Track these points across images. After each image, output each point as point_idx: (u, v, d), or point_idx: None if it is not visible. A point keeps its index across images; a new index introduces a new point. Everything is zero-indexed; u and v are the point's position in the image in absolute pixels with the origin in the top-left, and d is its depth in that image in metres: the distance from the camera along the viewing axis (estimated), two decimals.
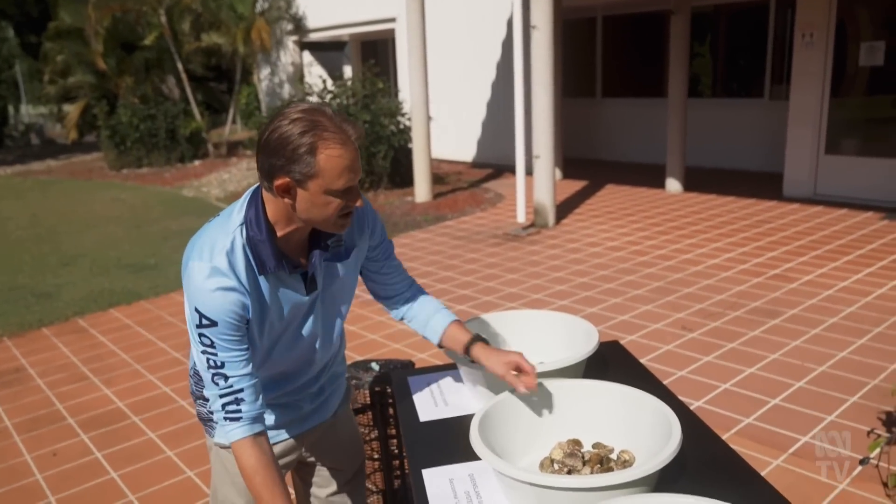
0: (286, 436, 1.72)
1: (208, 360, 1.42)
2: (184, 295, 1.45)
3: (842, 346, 3.94)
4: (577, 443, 1.59)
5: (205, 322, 1.40)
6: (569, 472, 1.49)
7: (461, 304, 4.97)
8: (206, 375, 1.44)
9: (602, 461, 1.52)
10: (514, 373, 1.61)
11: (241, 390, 1.44)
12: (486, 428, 1.52)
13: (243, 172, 11.91)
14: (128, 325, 5.06)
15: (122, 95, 14.56)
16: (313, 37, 14.47)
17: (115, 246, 7.47)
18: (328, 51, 15.00)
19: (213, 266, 1.39)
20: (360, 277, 1.77)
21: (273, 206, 1.44)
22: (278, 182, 1.37)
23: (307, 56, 15.12)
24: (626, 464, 1.51)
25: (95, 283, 6.11)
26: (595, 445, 1.59)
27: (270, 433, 1.62)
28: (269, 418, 1.67)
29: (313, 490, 1.90)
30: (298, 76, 14.48)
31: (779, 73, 9.17)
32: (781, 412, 3.28)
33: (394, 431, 2.41)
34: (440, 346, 1.77)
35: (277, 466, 1.47)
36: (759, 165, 9.41)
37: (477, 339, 1.69)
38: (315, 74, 14.57)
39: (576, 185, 9.21)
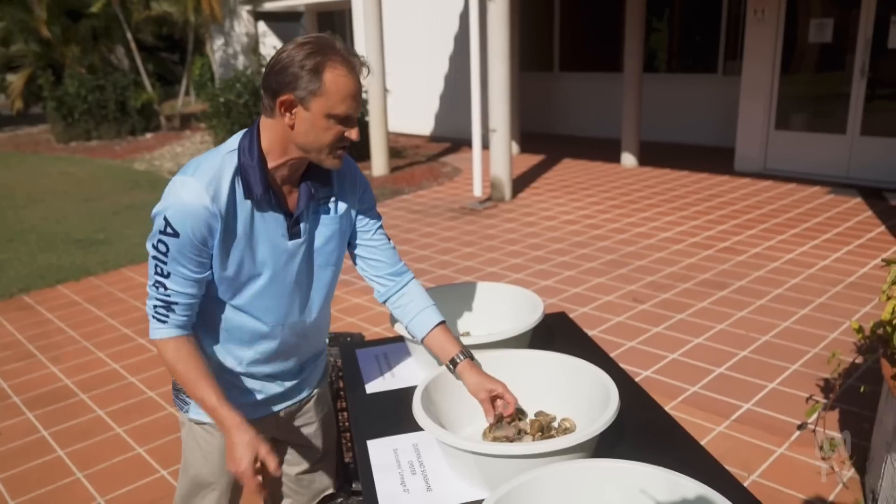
0: (263, 413, 1.69)
1: (157, 266, 1.44)
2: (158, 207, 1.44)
3: (785, 316, 4.06)
4: (519, 411, 1.61)
5: (169, 231, 1.40)
6: (511, 439, 1.51)
7: (417, 278, 4.97)
8: (150, 280, 1.47)
9: (543, 429, 1.55)
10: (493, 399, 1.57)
11: (175, 303, 1.47)
12: (429, 399, 1.54)
13: (197, 146, 11.65)
14: (76, 301, 4.94)
15: (68, 65, 14.06)
16: (268, 7, 14.14)
17: (63, 221, 7.26)
18: (283, 21, 14.69)
19: (196, 181, 1.40)
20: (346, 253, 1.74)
21: (269, 134, 1.45)
22: (282, 97, 1.38)
23: (262, 26, 14.79)
24: (567, 431, 1.54)
25: (42, 258, 5.95)
26: (537, 414, 1.61)
27: (247, 410, 1.61)
28: (247, 396, 1.66)
29: (284, 468, 1.88)
30: (253, 47, 14.17)
31: (732, 49, 9.29)
32: (726, 380, 3.37)
33: (344, 405, 2.42)
34: (422, 343, 1.70)
35: (202, 358, 1.50)
36: (712, 140, 9.57)
37: (465, 354, 1.61)
38: (270, 45, 14.28)
39: (532, 160, 9.25)
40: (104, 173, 10.01)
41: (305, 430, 1.82)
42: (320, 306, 1.67)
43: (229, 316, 1.56)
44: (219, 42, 15.46)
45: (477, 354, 1.66)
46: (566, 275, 4.91)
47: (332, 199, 1.59)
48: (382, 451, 1.54)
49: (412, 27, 11.44)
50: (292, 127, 1.41)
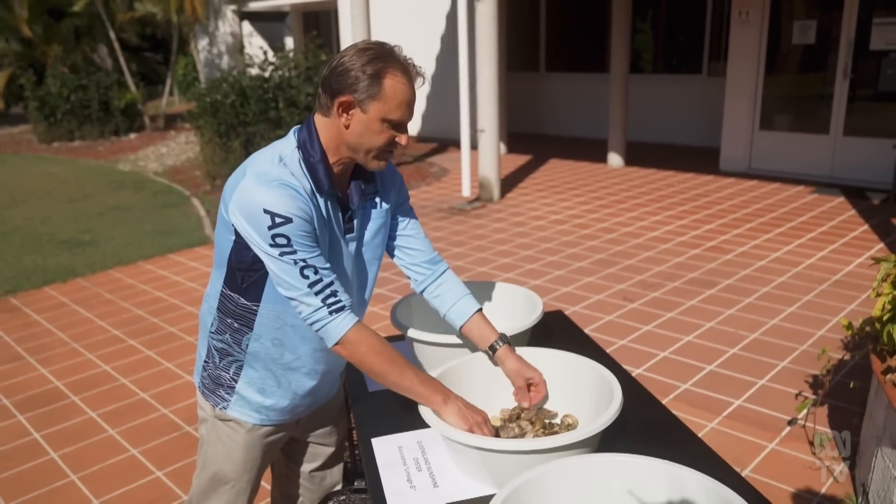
0: (303, 413, 1.70)
1: (290, 259, 1.40)
2: (237, 216, 1.41)
3: (773, 313, 4.12)
4: (522, 408, 1.63)
5: (278, 220, 1.38)
6: (514, 437, 1.53)
7: (406, 279, 4.98)
8: (293, 272, 1.41)
9: (546, 426, 1.56)
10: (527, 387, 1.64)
11: (332, 282, 1.45)
12: None
13: (182, 146, 11.58)
14: (64, 302, 4.90)
15: (50, 64, 13.91)
16: (253, 6, 14.08)
17: (48, 221, 7.20)
18: (269, 21, 14.63)
19: (282, 169, 1.42)
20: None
21: (324, 132, 1.48)
22: (342, 98, 1.41)
23: (247, 26, 14.72)
24: (569, 427, 1.56)
25: (28, 260, 5.89)
26: (540, 410, 1.63)
27: (296, 412, 1.66)
28: (305, 398, 1.67)
29: (296, 467, 1.89)
30: (238, 47, 14.10)
31: (716, 50, 9.37)
32: (716, 378, 3.41)
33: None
34: (460, 331, 1.73)
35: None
36: (698, 140, 9.65)
37: (504, 339, 1.66)
38: (255, 45, 14.21)
39: (520, 160, 9.28)
40: (88, 174, 9.93)
41: (322, 429, 1.84)
42: (367, 300, 1.71)
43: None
44: (203, 42, 15.37)
45: (478, 352, 1.68)
46: (556, 274, 4.94)
47: (377, 194, 1.63)
48: (387, 449, 1.55)
49: (398, 27, 11.43)
50: (347, 127, 1.44)
